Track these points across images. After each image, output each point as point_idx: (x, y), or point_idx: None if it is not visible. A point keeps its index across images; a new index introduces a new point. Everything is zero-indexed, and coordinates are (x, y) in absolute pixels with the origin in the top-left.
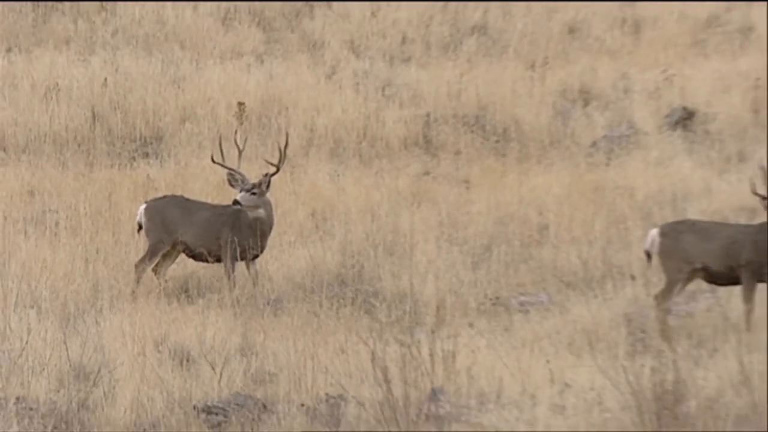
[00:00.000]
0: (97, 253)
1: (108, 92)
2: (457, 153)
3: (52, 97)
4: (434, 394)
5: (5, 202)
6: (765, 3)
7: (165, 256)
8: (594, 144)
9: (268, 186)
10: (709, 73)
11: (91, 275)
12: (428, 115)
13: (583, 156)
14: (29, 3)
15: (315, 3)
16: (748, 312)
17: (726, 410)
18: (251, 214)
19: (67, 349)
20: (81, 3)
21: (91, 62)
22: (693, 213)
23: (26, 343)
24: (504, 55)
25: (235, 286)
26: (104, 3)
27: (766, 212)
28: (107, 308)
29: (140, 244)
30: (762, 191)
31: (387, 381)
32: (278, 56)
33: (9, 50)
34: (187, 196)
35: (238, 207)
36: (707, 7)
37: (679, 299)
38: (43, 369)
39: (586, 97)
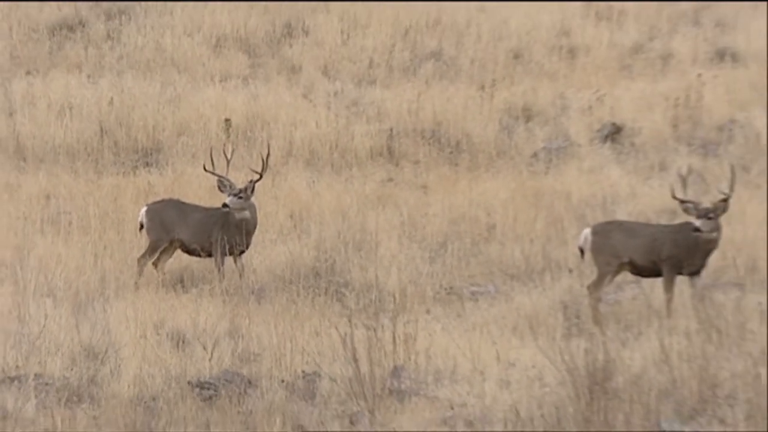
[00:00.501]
0: (105, 249)
1: (114, 110)
2: (416, 162)
3: (65, 114)
4: (396, 372)
5: (25, 205)
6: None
7: (163, 252)
8: (535, 155)
9: (252, 191)
10: (635, 93)
11: (99, 268)
12: (391, 129)
13: (525, 165)
14: (46, 32)
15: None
16: (669, 300)
17: (649, 385)
18: (238, 215)
19: (78, 332)
20: (91, 32)
21: (99, 84)
22: (620, 214)
23: (43, 327)
24: (457, 77)
25: (224, 277)
26: (111, 32)
27: (684, 213)
28: (113, 297)
29: (142, 241)
30: (680, 196)
31: (355, 360)
32: (261, 79)
33: (28, 73)
34: (182, 199)
35: (227, 209)
36: (632, 36)
37: (609, 289)
38: (58, 349)
39: (528, 114)
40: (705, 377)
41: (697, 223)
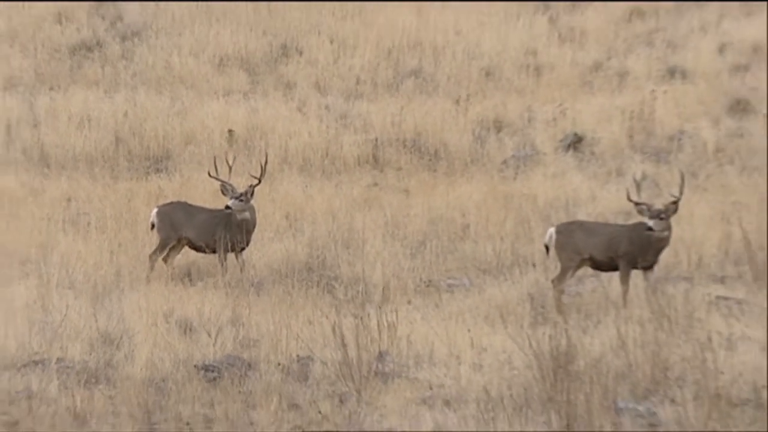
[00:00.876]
0: (120, 246)
1: (128, 122)
2: (399, 169)
3: (84, 126)
4: (381, 356)
5: (48, 207)
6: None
7: (172, 249)
8: (504, 162)
9: (252, 194)
10: (594, 107)
11: (115, 263)
12: (376, 139)
13: (496, 171)
14: (67, 51)
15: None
16: (624, 292)
17: (607, 368)
18: (239, 216)
19: (96, 321)
20: (107, 52)
21: (115, 98)
22: (581, 215)
23: (65, 316)
24: (435, 93)
25: (226, 271)
26: (125, 52)
27: (639, 214)
28: (127, 289)
29: (153, 239)
30: (635, 198)
31: (344, 345)
32: (260, 94)
33: (51, 89)
34: (189, 202)
35: (229, 211)
36: (592, 55)
37: (571, 282)
38: (78, 336)
39: (498, 125)
40: (657, 361)
41: (650, 223)
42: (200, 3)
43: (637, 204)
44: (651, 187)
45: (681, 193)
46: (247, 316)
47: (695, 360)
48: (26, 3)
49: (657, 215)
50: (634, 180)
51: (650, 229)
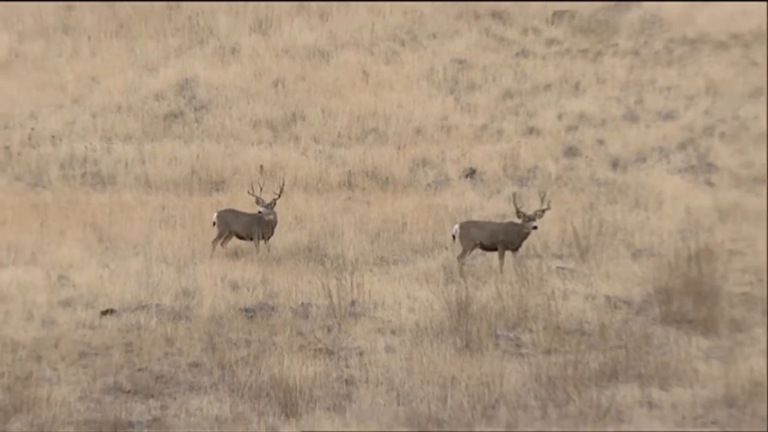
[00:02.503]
0: (194, 236)
1: (199, 161)
2: (364, 189)
3: (172, 163)
4: (352, 303)
5: (150, 212)
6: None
7: (225, 238)
8: (428, 185)
9: (275, 204)
10: (483, 152)
11: (191, 246)
12: (350, 171)
13: (423, 191)
14: (162, 117)
15: (296, 118)
16: (501, 264)
17: (490, 310)
18: (267, 218)
19: (179, 281)
20: (186, 117)
21: (190, 146)
22: (475, 217)
23: (160, 278)
24: (386, 143)
25: (258, 252)
26: (197, 117)
27: (517, 217)
28: (198, 262)
29: (213, 232)
30: (518, 207)
31: (330, 296)
32: (279, 144)
33: (152, 140)
34: (236, 208)
35: (261, 214)
36: (481, 120)
37: (468, 259)
38: (168, 290)
39: (424, 162)
40: (520, 306)
41: (530, 223)
42: (242, 86)
43: (518, 210)
44: (520, 202)
45: (549, 205)
46: (271, 278)
47: (544, 305)
48: (136, 86)
49: (531, 219)
50: (512, 197)
51: (533, 227)
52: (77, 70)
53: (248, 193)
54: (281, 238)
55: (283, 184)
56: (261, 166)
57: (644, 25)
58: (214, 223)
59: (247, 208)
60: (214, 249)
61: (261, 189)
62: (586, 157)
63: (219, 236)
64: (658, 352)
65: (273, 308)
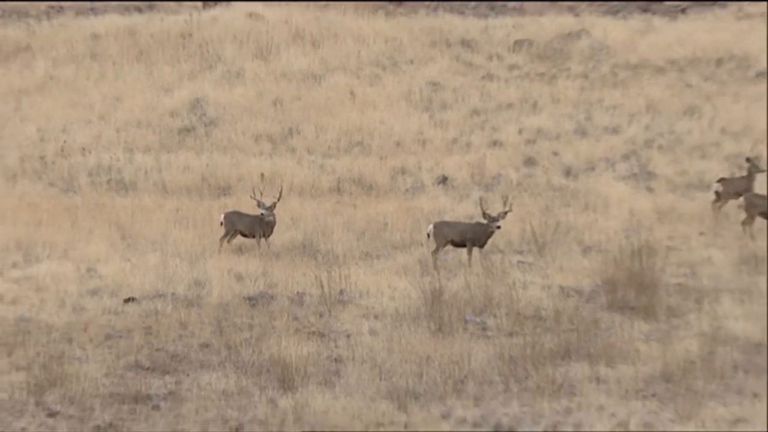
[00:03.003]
0: (204, 235)
1: (209, 169)
2: (351, 194)
3: (185, 171)
4: (341, 292)
5: (166, 214)
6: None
7: (231, 236)
8: (407, 190)
9: (274, 207)
10: (453, 162)
11: (201, 243)
12: (339, 179)
13: (402, 195)
14: (176, 131)
15: (293, 133)
16: (469, 259)
17: (460, 298)
18: (267, 219)
19: (191, 273)
20: (196, 133)
21: (201, 157)
22: (447, 217)
23: (174, 270)
24: (369, 154)
25: (260, 247)
26: (207, 132)
27: (482, 216)
28: (208, 257)
29: (220, 231)
30: (484, 209)
31: (321, 286)
32: (277, 155)
33: (168, 152)
34: (240, 210)
35: (262, 216)
36: (452, 134)
37: (440, 254)
38: (181, 281)
39: (403, 171)
40: (486, 295)
41: (495, 223)
42: (246, 105)
43: (484, 212)
44: (486, 204)
45: (511, 208)
46: (270, 271)
47: (506, 294)
48: (154, 104)
49: (495, 219)
50: (478, 201)
51: (497, 227)
52: (103, 91)
53: (251, 197)
54: (279, 236)
55: (281, 190)
56: (262, 174)
57: (593, 52)
58: (221, 223)
59: (250, 210)
60: (221, 245)
61: (262, 194)
62: (543, 166)
63: (226, 234)
64: (605, 335)
65: (272, 297)
